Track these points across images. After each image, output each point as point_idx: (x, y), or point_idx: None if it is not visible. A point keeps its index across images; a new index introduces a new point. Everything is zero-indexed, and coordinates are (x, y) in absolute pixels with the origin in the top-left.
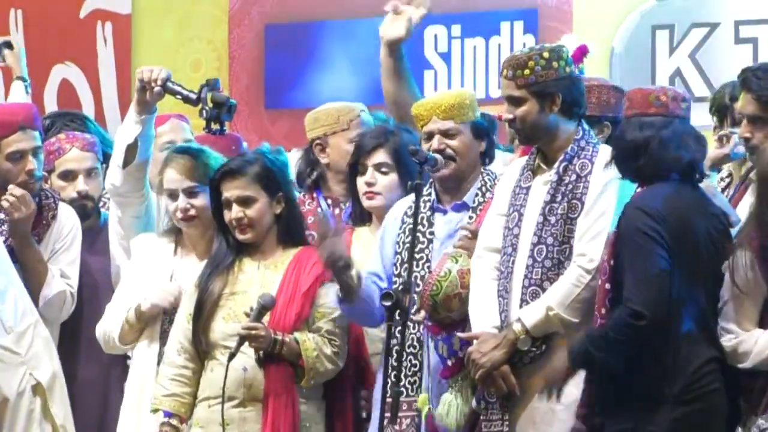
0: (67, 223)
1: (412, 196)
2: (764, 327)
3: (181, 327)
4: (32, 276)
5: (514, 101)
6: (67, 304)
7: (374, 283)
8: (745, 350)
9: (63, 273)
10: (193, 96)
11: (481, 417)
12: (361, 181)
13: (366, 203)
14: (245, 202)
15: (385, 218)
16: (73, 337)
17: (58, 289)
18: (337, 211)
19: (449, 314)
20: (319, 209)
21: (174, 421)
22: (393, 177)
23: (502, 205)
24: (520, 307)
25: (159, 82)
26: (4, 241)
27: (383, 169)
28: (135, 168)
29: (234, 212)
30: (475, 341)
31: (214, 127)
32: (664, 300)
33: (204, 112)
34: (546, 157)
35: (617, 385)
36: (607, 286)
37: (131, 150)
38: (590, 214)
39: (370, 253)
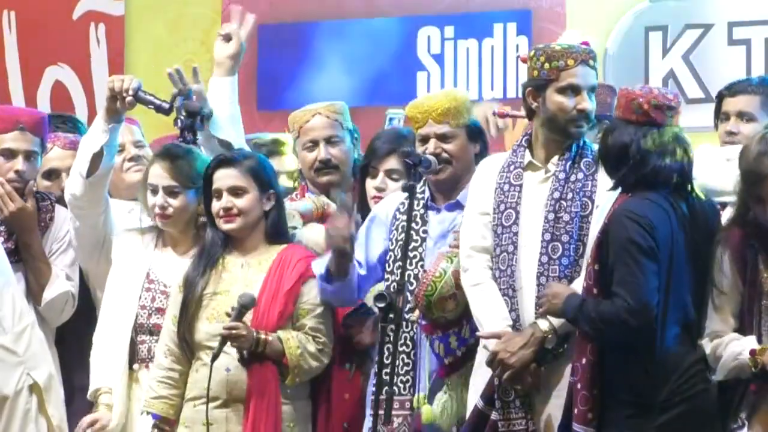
0: (64, 224)
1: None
2: (744, 327)
3: (168, 329)
4: (35, 275)
5: (594, 92)
6: (68, 306)
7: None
8: (714, 359)
9: (67, 275)
10: (166, 105)
11: (495, 416)
12: (370, 185)
13: (372, 207)
14: (236, 192)
15: (374, 210)
16: (65, 340)
17: (61, 290)
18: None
19: (443, 314)
20: (342, 194)
21: (163, 424)
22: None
23: (483, 204)
24: (537, 305)
25: (131, 92)
26: (3, 242)
27: (394, 176)
28: (97, 178)
29: (223, 201)
30: (496, 341)
31: (188, 136)
32: (652, 309)
33: (179, 121)
34: (535, 153)
35: (606, 392)
36: (595, 290)
37: (96, 159)
38: (603, 214)
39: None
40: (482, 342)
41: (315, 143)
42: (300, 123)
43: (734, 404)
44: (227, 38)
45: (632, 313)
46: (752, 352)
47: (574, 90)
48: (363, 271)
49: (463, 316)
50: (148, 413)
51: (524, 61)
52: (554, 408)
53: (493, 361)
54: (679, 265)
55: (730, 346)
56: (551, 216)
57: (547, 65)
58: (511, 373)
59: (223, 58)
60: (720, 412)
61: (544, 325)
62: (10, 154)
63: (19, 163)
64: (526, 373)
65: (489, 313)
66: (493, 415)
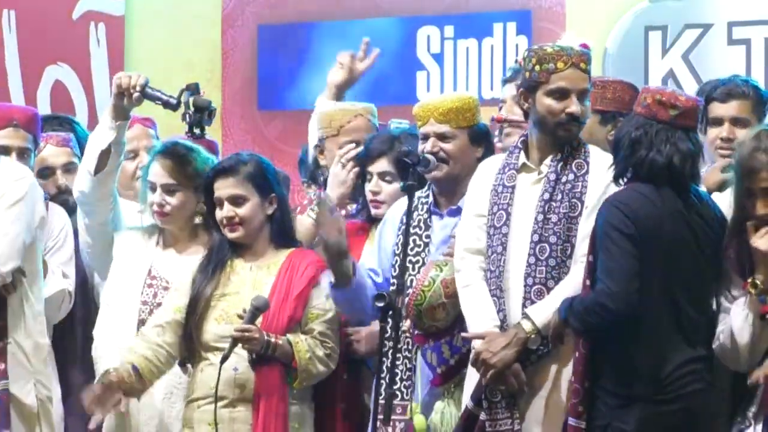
0: (58, 221)
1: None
2: None
3: (170, 315)
4: None
5: (585, 95)
6: (65, 304)
7: (369, 277)
8: (731, 349)
9: (63, 273)
10: (173, 101)
11: (483, 417)
12: (367, 189)
13: (372, 211)
14: (236, 200)
15: (385, 215)
16: (64, 337)
17: (58, 288)
18: (343, 212)
19: (434, 323)
20: (321, 192)
21: (135, 374)
22: (396, 185)
23: (479, 206)
24: (523, 305)
25: (138, 88)
26: None
27: (387, 178)
28: (105, 175)
29: (225, 211)
30: (480, 341)
31: (196, 131)
32: (632, 293)
33: (187, 116)
34: (530, 155)
35: (595, 384)
36: (587, 282)
37: (104, 156)
38: (593, 215)
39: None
40: (472, 343)
41: (356, 144)
42: (341, 122)
43: (744, 403)
44: (341, 65)
45: (611, 296)
46: (745, 284)
47: (562, 93)
48: (380, 279)
49: (455, 324)
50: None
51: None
52: (539, 410)
53: (476, 361)
54: (670, 260)
55: (731, 322)
56: (540, 217)
57: (537, 67)
58: (493, 373)
59: (330, 83)
60: (728, 412)
61: (527, 325)
62: (3, 151)
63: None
64: (509, 374)
65: (477, 313)
66: (482, 416)
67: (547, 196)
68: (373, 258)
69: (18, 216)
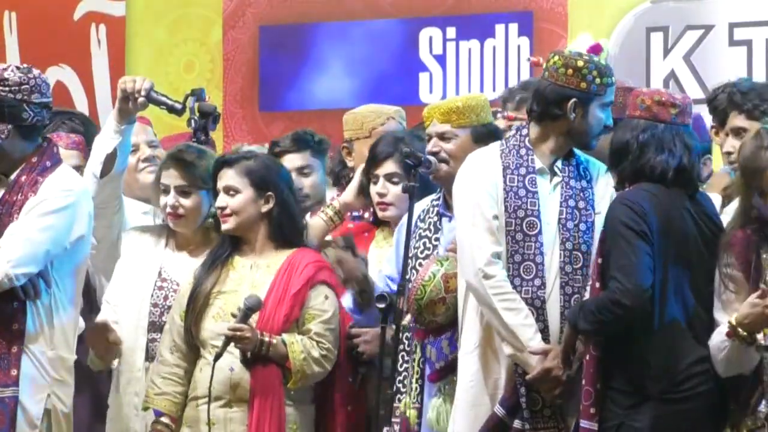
0: None
1: (428, 199)
2: None
3: (175, 325)
4: None
5: None
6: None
7: (387, 285)
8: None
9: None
10: (178, 106)
11: (519, 425)
12: (373, 191)
13: (379, 214)
14: (229, 191)
15: (402, 220)
16: None
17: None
18: (366, 215)
19: (434, 318)
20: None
21: (165, 420)
22: None
23: (493, 207)
24: (562, 315)
25: (143, 93)
26: None
27: (394, 180)
28: (111, 178)
29: (218, 201)
30: (539, 357)
31: (201, 137)
32: (647, 289)
33: (192, 122)
34: (540, 158)
35: (607, 385)
36: (597, 285)
37: (109, 160)
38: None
39: (384, 255)
40: (509, 352)
41: None
42: (373, 125)
43: (751, 405)
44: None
45: (626, 293)
46: (729, 335)
47: (608, 106)
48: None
49: (455, 320)
50: (149, 408)
51: (536, 64)
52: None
53: (542, 378)
54: (679, 258)
55: (714, 340)
56: (570, 225)
57: (598, 80)
58: (562, 388)
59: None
60: (728, 412)
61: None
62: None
63: None
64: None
65: (529, 328)
66: (516, 424)
67: (572, 203)
68: (390, 264)
69: (49, 226)
